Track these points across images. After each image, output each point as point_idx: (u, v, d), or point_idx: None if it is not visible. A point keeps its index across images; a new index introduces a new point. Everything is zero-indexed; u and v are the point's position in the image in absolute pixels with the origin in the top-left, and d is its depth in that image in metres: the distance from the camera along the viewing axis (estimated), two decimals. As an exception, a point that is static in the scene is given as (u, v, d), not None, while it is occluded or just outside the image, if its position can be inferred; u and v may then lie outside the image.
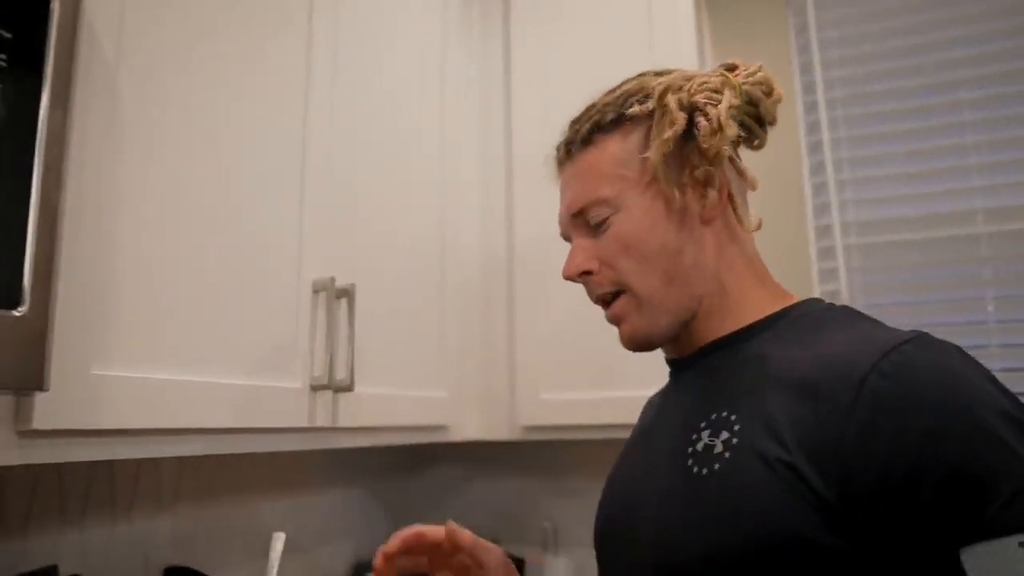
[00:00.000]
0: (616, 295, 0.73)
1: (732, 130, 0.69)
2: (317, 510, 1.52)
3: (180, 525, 1.20)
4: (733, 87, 0.71)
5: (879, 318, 0.69)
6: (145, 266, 0.80)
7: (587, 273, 0.74)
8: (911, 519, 0.53)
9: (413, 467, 1.87)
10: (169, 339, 0.81)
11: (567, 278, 0.75)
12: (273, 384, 0.94)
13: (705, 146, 0.69)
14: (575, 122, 0.77)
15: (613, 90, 0.77)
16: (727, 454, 0.62)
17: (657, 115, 0.71)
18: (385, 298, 1.22)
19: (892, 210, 1.55)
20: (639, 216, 0.71)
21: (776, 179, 1.64)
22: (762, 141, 0.75)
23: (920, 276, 1.50)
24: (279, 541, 0.84)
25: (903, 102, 1.57)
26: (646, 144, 0.72)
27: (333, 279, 1.04)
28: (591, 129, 0.74)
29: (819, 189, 1.63)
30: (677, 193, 0.71)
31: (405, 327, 1.27)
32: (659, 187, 0.71)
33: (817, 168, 1.64)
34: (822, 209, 1.62)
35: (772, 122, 0.74)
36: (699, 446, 0.65)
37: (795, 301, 0.73)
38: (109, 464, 1.09)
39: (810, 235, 1.60)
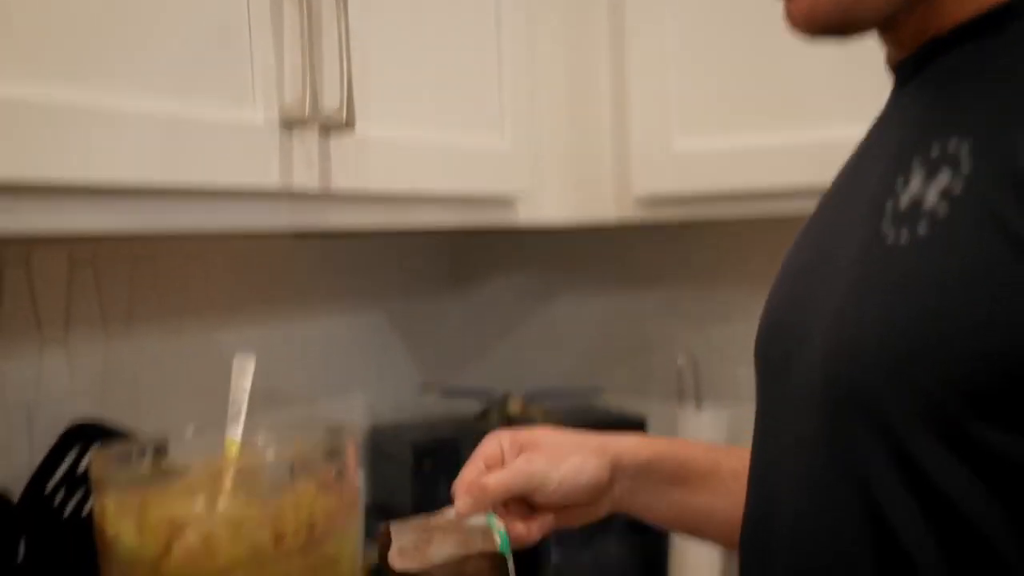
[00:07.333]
0: None
1: None
2: (308, 347, 1.59)
3: (81, 361, 1.24)
4: None
5: None
6: None
7: None
8: None
9: (459, 276, 1.92)
10: (51, 34, 0.80)
11: None
12: (221, 116, 0.95)
13: None
14: None
15: None
16: (942, 210, 0.63)
17: None
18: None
19: None
20: None
21: None
22: None
23: None
24: (245, 369, 0.84)
25: None
26: None
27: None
28: None
29: None
30: None
31: (438, 23, 1.27)
32: None
33: None
34: None
35: None
36: (903, 198, 0.66)
37: None
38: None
39: None
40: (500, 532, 0.88)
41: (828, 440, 0.67)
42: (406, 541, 0.87)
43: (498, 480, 0.90)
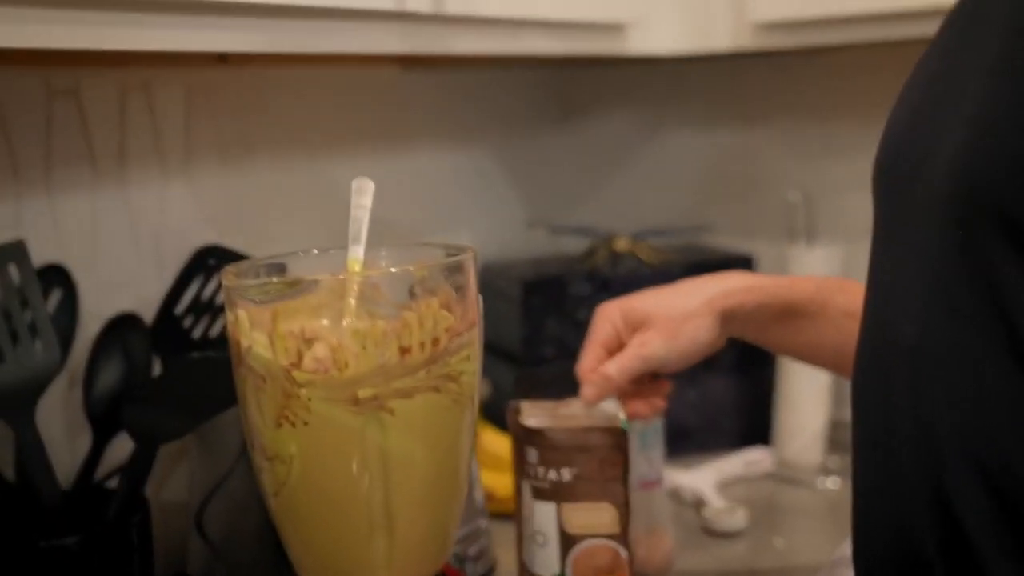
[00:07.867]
0: None
1: None
2: (416, 183, 1.60)
3: (202, 190, 1.27)
4: None
5: None
6: None
7: None
8: None
9: (567, 111, 1.90)
10: None
11: None
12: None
13: None
14: None
15: None
16: None
17: None
18: None
19: None
20: None
21: None
22: None
23: None
24: (364, 191, 0.83)
25: None
26: None
27: None
28: None
29: None
30: None
31: None
32: None
33: None
34: None
35: None
36: None
37: None
38: (74, 89, 1.12)
39: None
40: (622, 418, 0.94)
41: (957, 250, 0.65)
42: (536, 414, 0.96)
43: (619, 368, 0.95)
